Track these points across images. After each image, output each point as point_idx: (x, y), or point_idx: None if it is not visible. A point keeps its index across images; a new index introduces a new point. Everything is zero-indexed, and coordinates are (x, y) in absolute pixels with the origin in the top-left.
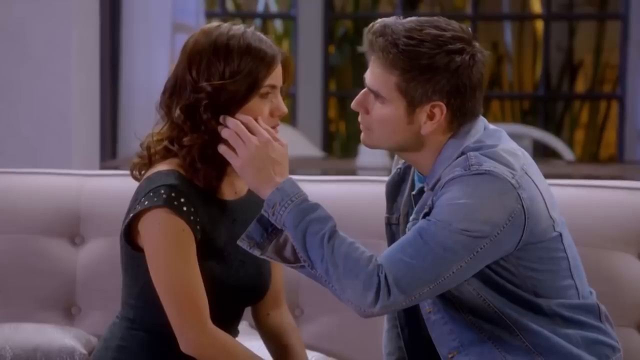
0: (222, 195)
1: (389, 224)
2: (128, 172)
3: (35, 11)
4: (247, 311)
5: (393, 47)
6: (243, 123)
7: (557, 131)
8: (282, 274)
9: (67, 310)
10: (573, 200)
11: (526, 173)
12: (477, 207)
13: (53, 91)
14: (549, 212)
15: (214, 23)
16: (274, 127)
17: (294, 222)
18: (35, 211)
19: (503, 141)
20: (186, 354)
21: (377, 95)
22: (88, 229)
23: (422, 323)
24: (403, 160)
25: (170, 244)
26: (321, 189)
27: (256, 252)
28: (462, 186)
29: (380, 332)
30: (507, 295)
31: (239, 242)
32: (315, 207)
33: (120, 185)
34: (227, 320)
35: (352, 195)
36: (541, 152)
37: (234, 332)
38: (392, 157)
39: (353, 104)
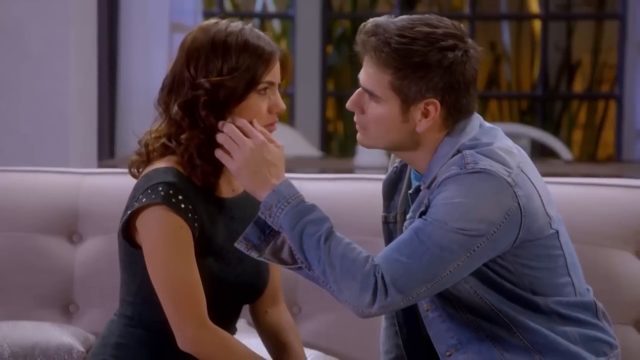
0: (220, 192)
1: (386, 222)
2: (126, 170)
3: (33, 11)
4: (245, 309)
5: (385, 46)
6: (238, 127)
7: (555, 131)
8: (280, 271)
9: (65, 308)
10: (571, 198)
11: (522, 171)
12: (473, 205)
13: (51, 90)
14: (545, 210)
15: (212, 20)
16: (272, 124)
17: (290, 223)
18: (33, 209)
19: (499, 139)
20: (184, 351)
21: (371, 95)
22: (86, 226)
23: (420, 321)
24: (399, 159)
25: (168, 241)
26: (319, 187)
27: (253, 254)
28: (458, 185)
29: (378, 330)
30: (505, 293)
31: (236, 245)
32: (312, 208)
33: (118, 183)
34: (225, 318)
35: (350, 193)
36: (539, 152)
37: (232, 329)
38: (389, 156)
39: (348, 104)
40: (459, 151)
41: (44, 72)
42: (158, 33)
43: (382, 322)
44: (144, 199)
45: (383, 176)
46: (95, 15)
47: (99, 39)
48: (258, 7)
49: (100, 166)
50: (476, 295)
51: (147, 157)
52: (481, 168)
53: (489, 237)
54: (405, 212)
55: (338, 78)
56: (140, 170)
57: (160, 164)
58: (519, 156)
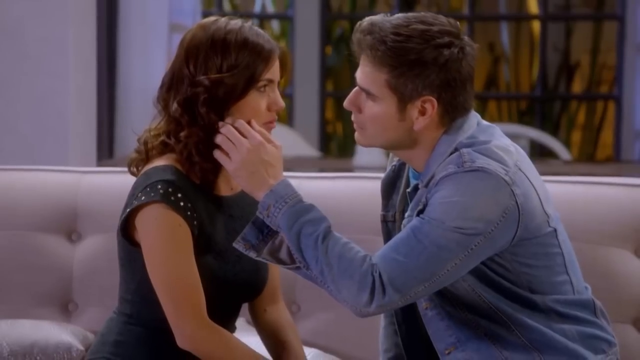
0: (219, 191)
1: (384, 221)
2: (125, 168)
3: (33, 10)
4: (244, 308)
5: (381, 45)
6: (235, 127)
7: (554, 131)
8: (279, 270)
9: (64, 307)
10: (570, 197)
11: (520, 169)
12: (470, 204)
13: (51, 89)
14: (543, 208)
15: (212, 17)
16: (271, 122)
17: (288, 223)
18: (32, 208)
19: (496, 137)
20: (183, 349)
21: (368, 94)
22: (85, 225)
23: (419, 319)
24: (398, 158)
25: (167, 239)
26: (317, 186)
27: (252, 254)
28: (455, 184)
29: (377, 328)
30: (503, 291)
31: (234, 244)
32: (310, 208)
33: (117, 182)
34: (224, 317)
35: (349, 192)
36: (538, 152)
37: (231, 328)
38: (388, 156)
39: (345, 103)
40: (456, 149)
41: (44, 72)
42: (157, 33)
43: (381, 320)
44: (143, 197)
45: (382, 175)
46: (95, 15)
47: (98, 39)
48: (257, 8)
49: (99, 165)
50: (474, 293)
51: (146, 155)
52: (478, 166)
53: (487, 236)
54: (403, 211)
55: (337, 79)
56: (140, 168)
57: (159, 162)
58: (517, 154)
